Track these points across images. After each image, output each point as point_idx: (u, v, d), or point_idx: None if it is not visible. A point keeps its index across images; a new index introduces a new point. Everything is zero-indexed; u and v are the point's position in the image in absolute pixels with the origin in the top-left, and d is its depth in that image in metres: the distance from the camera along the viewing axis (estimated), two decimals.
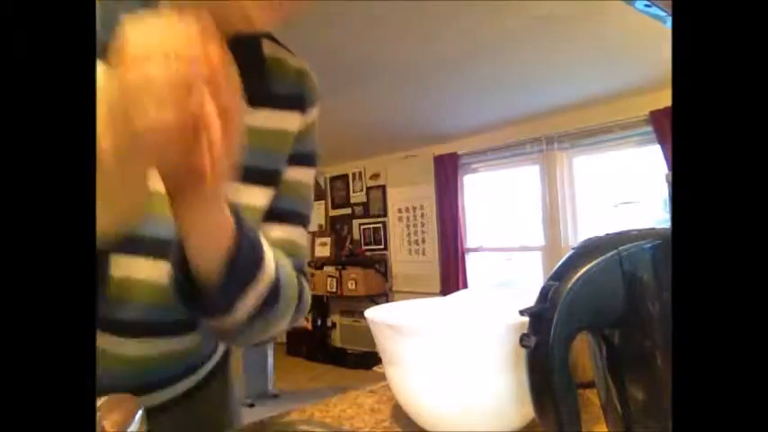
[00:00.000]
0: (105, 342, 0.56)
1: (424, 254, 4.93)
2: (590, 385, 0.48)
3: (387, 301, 2.45)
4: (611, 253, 0.42)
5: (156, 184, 0.44)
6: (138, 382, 0.60)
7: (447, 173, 4.62)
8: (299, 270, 0.64)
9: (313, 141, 0.70)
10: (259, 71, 0.61)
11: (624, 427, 0.44)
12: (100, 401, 0.35)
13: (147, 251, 0.55)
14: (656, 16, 1.90)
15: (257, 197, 0.63)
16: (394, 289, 5.16)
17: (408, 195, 5.02)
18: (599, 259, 0.42)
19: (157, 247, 0.55)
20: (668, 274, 0.40)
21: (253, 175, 0.61)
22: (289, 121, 0.65)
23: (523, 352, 0.42)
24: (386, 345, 0.56)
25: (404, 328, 0.54)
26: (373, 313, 0.59)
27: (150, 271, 0.56)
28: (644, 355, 0.43)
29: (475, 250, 4.67)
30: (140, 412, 0.35)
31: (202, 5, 0.43)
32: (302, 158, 0.68)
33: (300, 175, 0.69)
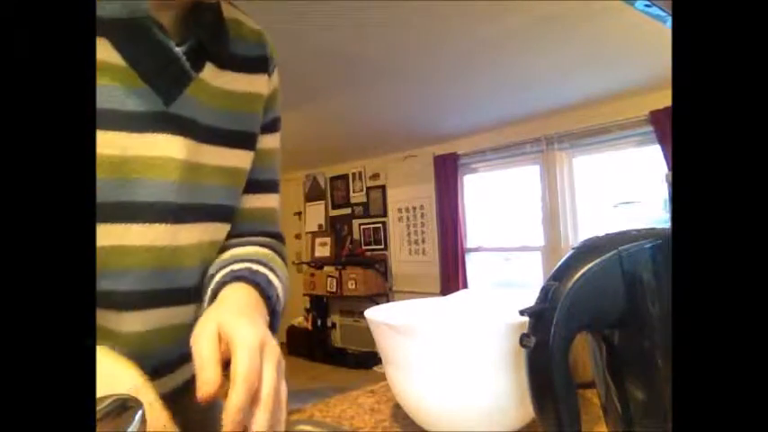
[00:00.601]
0: (101, 318, 0.56)
1: (424, 254, 4.92)
2: (590, 385, 0.48)
3: (387, 301, 2.44)
4: (611, 253, 0.42)
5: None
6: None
7: (447, 173, 4.62)
8: (277, 236, 0.72)
9: (278, 106, 0.72)
10: (221, 33, 0.61)
11: (624, 427, 0.44)
12: (100, 401, 0.35)
13: (139, 216, 0.56)
14: (656, 16, 1.90)
15: (242, 160, 0.65)
16: (394, 289, 5.16)
17: (408, 195, 5.02)
18: (599, 259, 0.42)
19: (149, 212, 0.56)
20: (668, 274, 0.40)
21: (235, 139, 0.64)
22: (258, 85, 0.67)
23: (523, 352, 0.42)
24: (386, 345, 0.56)
25: (404, 328, 0.54)
26: (373, 313, 0.59)
27: (143, 236, 0.56)
28: (644, 355, 0.43)
29: (475, 250, 4.67)
30: (140, 412, 0.35)
31: None
32: (271, 125, 0.71)
33: (271, 143, 0.71)
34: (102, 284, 0.55)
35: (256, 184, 0.70)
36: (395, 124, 4.12)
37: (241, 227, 0.68)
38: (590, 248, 0.43)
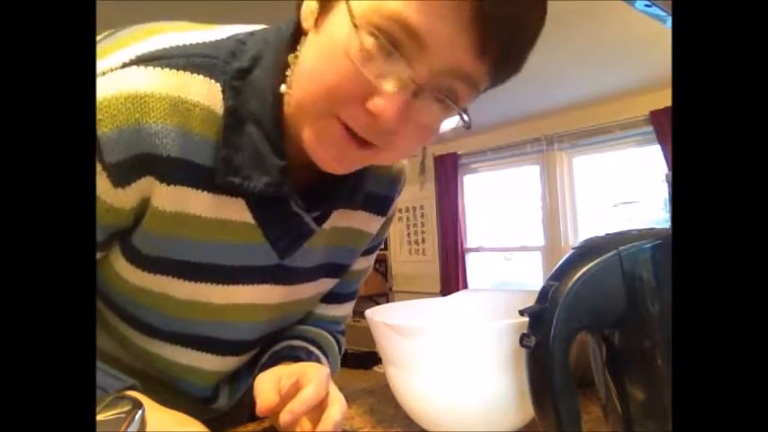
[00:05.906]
0: (199, 360, 0.62)
1: (424, 254, 4.92)
2: (590, 385, 0.48)
3: (387, 301, 2.44)
4: (611, 253, 0.42)
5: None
6: (206, 394, 0.66)
7: (447, 173, 4.62)
8: (342, 333, 0.75)
9: (385, 232, 0.72)
10: (359, 188, 0.58)
11: (624, 427, 0.44)
12: (100, 401, 0.35)
13: (216, 351, 0.61)
14: (656, 16, 1.90)
15: (325, 286, 0.67)
16: (394, 289, 5.16)
17: (408, 195, 5.02)
18: (599, 259, 0.42)
19: (226, 346, 0.61)
20: (668, 274, 0.40)
21: (327, 270, 0.64)
22: (372, 224, 0.67)
23: (523, 352, 0.42)
24: (386, 345, 0.56)
25: (404, 328, 0.54)
26: (373, 313, 0.59)
27: (214, 362, 0.62)
28: (644, 355, 0.42)
29: (475, 250, 4.67)
30: (140, 412, 0.35)
31: None
32: (371, 249, 0.71)
33: (365, 263, 0.72)
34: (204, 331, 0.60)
35: (342, 297, 0.71)
36: None
37: (314, 323, 0.71)
38: (590, 248, 0.43)
